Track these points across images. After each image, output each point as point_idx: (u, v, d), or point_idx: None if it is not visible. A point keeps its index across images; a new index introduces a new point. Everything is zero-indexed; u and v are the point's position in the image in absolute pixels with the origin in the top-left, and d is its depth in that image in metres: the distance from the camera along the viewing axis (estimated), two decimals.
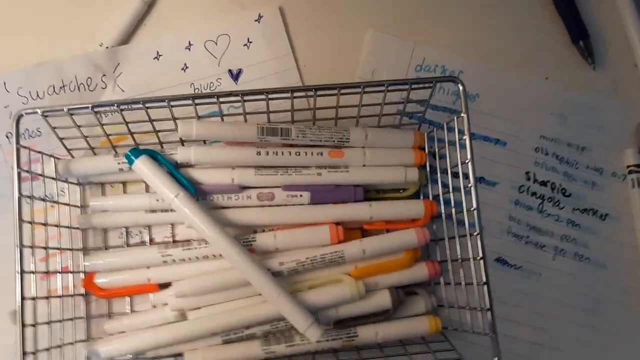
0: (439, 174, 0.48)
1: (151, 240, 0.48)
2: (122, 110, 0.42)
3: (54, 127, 0.44)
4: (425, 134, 0.49)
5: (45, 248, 0.43)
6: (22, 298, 0.40)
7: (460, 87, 0.43)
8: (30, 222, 0.42)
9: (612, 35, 0.55)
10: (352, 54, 0.53)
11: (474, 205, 0.42)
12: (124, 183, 0.49)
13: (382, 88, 0.43)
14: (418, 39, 0.53)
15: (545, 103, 0.53)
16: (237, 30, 0.52)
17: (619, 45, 0.55)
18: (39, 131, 0.48)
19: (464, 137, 0.43)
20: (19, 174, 0.41)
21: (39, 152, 0.44)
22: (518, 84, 0.53)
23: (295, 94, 0.44)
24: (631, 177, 0.52)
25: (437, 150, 0.48)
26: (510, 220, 0.52)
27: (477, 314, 0.43)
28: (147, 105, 0.42)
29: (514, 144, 0.53)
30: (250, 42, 0.51)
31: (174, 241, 0.48)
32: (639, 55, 0.54)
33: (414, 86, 0.44)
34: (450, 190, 0.46)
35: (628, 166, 0.52)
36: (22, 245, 0.40)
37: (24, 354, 0.40)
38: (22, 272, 0.40)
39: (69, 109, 0.41)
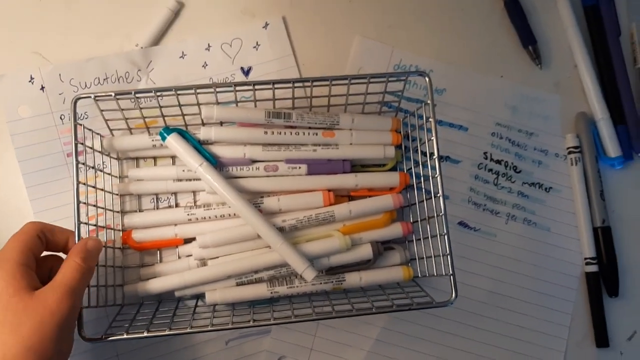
0: (411, 152, 0.57)
1: (177, 205, 0.57)
2: (157, 95, 0.51)
3: (102, 110, 0.53)
4: (401, 120, 0.57)
5: (95, 206, 0.52)
6: None
7: (427, 80, 0.51)
8: (84, 184, 0.50)
9: (556, 41, 0.64)
10: (342, 56, 0.62)
11: (437, 173, 0.51)
12: (154, 158, 0.57)
13: (365, 80, 0.52)
14: (396, 44, 0.62)
15: (500, 96, 0.62)
16: (248, 35, 0.60)
17: (562, 49, 0.63)
18: (86, 114, 0.57)
19: (430, 120, 0.51)
20: (76, 145, 0.49)
21: (90, 129, 0.53)
22: (478, 81, 0.62)
23: (296, 85, 0.52)
24: (570, 156, 0.61)
25: (410, 132, 0.57)
26: (470, 191, 0.60)
27: (440, 262, 0.51)
28: (178, 92, 0.51)
29: (474, 130, 0.61)
30: (259, 45, 0.60)
31: (196, 206, 0.56)
32: (577, 58, 0.63)
33: (390, 79, 0.52)
34: (420, 163, 0.54)
35: (568, 148, 0.61)
36: (78, 202, 0.49)
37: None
38: (80, 223, 0.49)
39: (115, 94, 0.50)
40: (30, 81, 0.57)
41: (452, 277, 0.50)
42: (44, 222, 0.49)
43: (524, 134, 0.62)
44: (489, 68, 0.63)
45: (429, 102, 0.52)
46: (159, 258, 0.57)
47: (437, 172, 0.51)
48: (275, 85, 0.52)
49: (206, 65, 0.60)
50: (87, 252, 0.47)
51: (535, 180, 0.61)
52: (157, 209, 0.58)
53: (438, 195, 0.51)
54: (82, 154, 0.51)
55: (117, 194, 0.57)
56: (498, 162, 0.61)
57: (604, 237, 0.59)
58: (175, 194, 0.58)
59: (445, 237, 0.50)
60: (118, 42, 0.60)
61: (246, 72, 0.60)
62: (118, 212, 0.56)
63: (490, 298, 0.59)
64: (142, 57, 0.59)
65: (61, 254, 0.50)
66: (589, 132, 0.61)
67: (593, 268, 0.59)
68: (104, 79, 0.58)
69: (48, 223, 0.49)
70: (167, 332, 0.48)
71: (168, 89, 0.51)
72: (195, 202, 0.58)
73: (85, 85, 0.58)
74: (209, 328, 0.49)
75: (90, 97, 0.50)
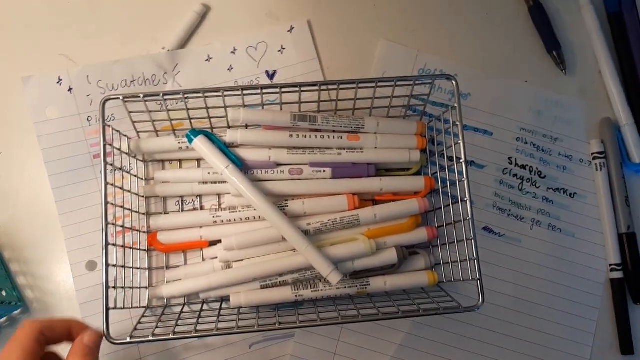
0: (437, 156, 0.57)
1: (201, 207, 0.57)
2: (185, 98, 0.52)
3: (130, 112, 0.53)
4: (426, 124, 0.58)
5: (122, 207, 0.52)
6: (107, 244, 0.48)
7: (454, 83, 0.51)
8: (112, 185, 0.51)
9: (580, 46, 0.64)
10: (366, 59, 0.62)
11: (464, 177, 0.50)
12: (180, 161, 0.58)
13: (392, 83, 0.52)
14: (421, 48, 0.62)
15: (524, 101, 0.62)
16: (273, 38, 0.61)
17: (586, 55, 0.63)
18: (113, 116, 0.58)
19: (457, 124, 0.51)
20: (104, 146, 0.50)
21: (118, 131, 0.54)
22: (503, 86, 0.62)
23: (322, 87, 0.52)
24: (595, 162, 0.61)
25: (435, 136, 0.58)
26: (495, 197, 0.60)
27: (467, 267, 0.51)
28: (205, 94, 0.51)
29: (498, 134, 0.61)
30: (284, 49, 0.61)
31: (220, 209, 0.57)
32: (602, 63, 0.62)
33: (416, 82, 0.53)
34: (446, 167, 0.54)
35: (592, 153, 0.61)
36: (106, 202, 0.49)
37: (107, 287, 0.48)
38: (107, 223, 0.49)
39: (144, 96, 0.50)
40: (58, 82, 0.58)
41: (479, 282, 0.50)
42: (42, 320, 0.46)
43: (549, 139, 0.62)
44: (513, 73, 0.63)
45: (455, 105, 0.52)
46: (184, 260, 0.57)
47: (464, 177, 0.51)
48: (302, 89, 0.52)
49: (232, 68, 0.60)
50: (87, 348, 0.45)
51: (560, 186, 0.61)
52: (183, 211, 0.58)
53: (465, 199, 0.51)
54: (109, 155, 0.51)
55: (143, 196, 0.57)
56: (523, 167, 0.61)
57: (629, 244, 0.59)
58: (200, 196, 0.58)
59: (472, 241, 0.50)
60: (145, 45, 0.60)
61: (271, 76, 0.61)
62: (144, 214, 0.57)
63: (514, 304, 0.59)
64: (168, 60, 0.59)
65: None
66: (613, 137, 0.61)
67: (618, 274, 0.59)
68: (131, 81, 0.59)
69: (46, 320, 0.46)
70: (193, 335, 0.48)
71: (196, 91, 0.51)
72: (220, 204, 0.58)
73: (113, 87, 0.59)
74: (236, 330, 0.49)
75: (119, 98, 0.50)
